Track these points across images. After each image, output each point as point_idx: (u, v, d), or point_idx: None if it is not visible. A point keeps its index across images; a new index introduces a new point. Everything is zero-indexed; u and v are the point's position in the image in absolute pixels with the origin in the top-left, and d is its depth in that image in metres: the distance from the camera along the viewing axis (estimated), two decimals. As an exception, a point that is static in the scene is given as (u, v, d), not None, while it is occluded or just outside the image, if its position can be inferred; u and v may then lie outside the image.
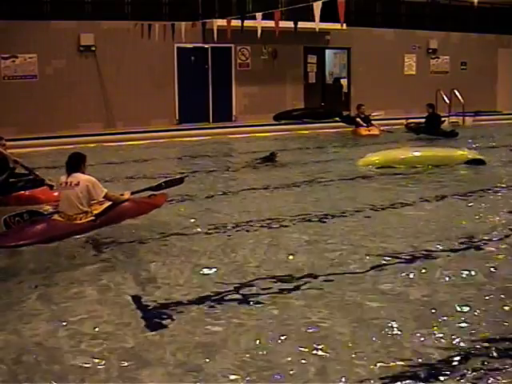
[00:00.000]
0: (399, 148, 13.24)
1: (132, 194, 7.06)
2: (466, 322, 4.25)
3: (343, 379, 3.54)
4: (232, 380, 3.58)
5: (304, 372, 3.63)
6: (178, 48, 18.06)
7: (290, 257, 5.88)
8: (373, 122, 16.97)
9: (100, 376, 3.65)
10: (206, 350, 3.92)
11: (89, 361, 3.81)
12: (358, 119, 16.92)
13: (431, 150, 12.56)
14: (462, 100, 19.90)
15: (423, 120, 16.68)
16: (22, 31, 15.86)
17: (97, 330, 4.26)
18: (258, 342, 4.01)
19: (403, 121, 17.47)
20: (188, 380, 3.60)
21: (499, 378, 3.51)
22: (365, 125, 16.77)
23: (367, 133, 16.49)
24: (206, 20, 16.30)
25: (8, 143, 8.37)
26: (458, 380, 3.51)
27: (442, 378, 3.53)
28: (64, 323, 4.37)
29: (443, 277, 5.19)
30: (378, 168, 10.79)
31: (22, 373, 3.70)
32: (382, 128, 16.89)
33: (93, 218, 6.49)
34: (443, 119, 16.95)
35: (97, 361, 3.81)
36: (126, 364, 3.76)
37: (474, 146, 13.81)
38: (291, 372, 3.63)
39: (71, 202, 6.39)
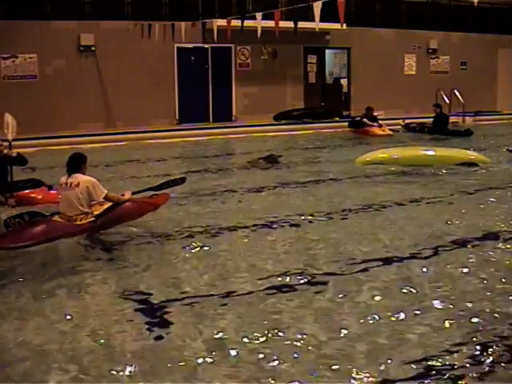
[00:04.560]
0: (397, 147, 13.25)
1: (133, 194, 7.04)
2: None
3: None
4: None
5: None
6: (177, 48, 18.05)
7: (286, 255, 5.92)
8: (379, 121, 16.94)
9: (101, 376, 3.65)
10: (207, 351, 3.93)
11: (90, 361, 3.81)
12: (365, 119, 16.86)
13: (433, 149, 12.51)
14: (462, 100, 19.92)
15: (425, 120, 16.71)
16: (22, 31, 15.86)
17: (97, 330, 4.26)
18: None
19: (400, 121, 17.52)
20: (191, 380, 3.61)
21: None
22: (376, 124, 16.69)
23: (382, 133, 16.39)
24: (206, 20, 16.30)
25: (5, 143, 8.34)
26: None
27: None
28: (64, 323, 4.37)
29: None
30: (372, 164, 10.79)
31: (16, 373, 3.70)
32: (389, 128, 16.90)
33: (93, 218, 6.48)
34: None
35: (98, 361, 3.81)
36: (126, 364, 3.76)
37: (474, 146, 13.79)
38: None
39: (71, 203, 6.37)
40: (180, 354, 3.89)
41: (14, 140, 8.46)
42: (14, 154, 8.08)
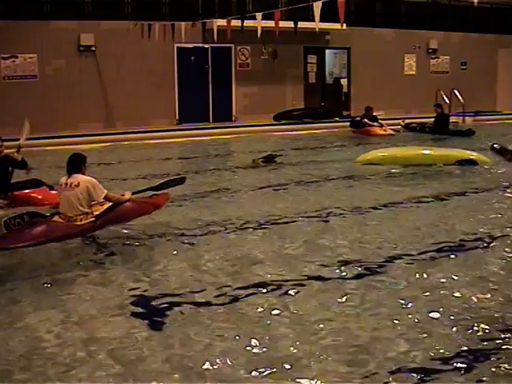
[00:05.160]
0: (397, 147, 13.24)
1: (133, 194, 7.02)
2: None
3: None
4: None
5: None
6: (177, 48, 18.06)
7: (286, 256, 5.89)
8: (380, 121, 16.94)
9: (101, 376, 3.65)
10: (207, 348, 3.93)
11: (90, 361, 3.82)
12: (366, 120, 16.86)
13: (433, 148, 12.49)
14: (461, 100, 19.93)
15: (425, 120, 16.71)
16: (22, 31, 15.86)
17: (96, 329, 4.26)
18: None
19: (400, 121, 17.53)
20: (187, 379, 3.61)
21: None
22: (376, 124, 16.69)
23: (384, 132, 16.39)
24: (206, 20, 16.32)
25: (7, 143, 8.33)
26: None
27: None
28: (63, 323, 4.37)
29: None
30: (372, 164, 10.78)
31: (16, 371, 3.71)
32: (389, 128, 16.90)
33: (93, 219, 6.47)
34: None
35: (98, 361, 3.81)
36: (126, 363, 3.77)
37: (474, 145, 13.78)
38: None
39: (71, 204, 6.37)
40: (176, 355, 3.89)
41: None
42: (19, 158, 8.10)
